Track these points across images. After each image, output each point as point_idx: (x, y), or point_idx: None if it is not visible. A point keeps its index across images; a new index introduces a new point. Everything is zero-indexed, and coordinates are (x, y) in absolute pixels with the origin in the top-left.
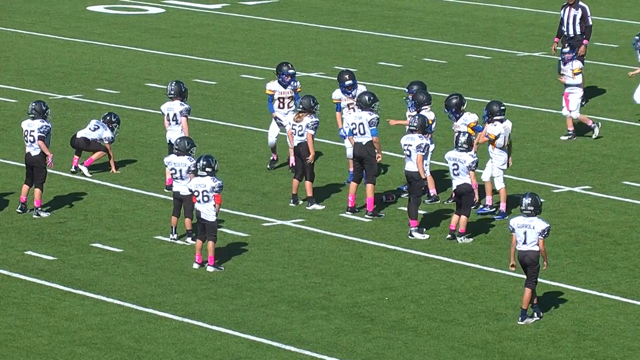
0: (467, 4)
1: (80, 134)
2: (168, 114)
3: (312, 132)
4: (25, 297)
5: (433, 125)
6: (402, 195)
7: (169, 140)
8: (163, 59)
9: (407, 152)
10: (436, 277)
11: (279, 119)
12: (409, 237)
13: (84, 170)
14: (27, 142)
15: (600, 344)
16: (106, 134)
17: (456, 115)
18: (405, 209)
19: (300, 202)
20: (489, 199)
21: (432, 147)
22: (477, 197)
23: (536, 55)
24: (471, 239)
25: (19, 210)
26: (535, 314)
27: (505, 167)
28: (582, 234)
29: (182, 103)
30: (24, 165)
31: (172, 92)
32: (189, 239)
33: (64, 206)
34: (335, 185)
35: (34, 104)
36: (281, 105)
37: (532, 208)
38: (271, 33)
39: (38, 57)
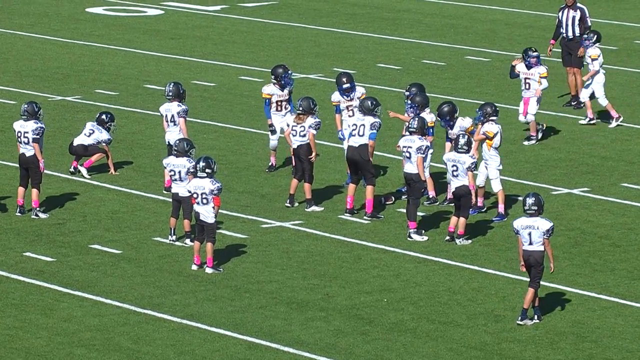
0: (466, 6)
1: (77, 141)
2: (166, 115)
3: (315, 132)
4: (24, 298)
5: (433, 129)
6: (402, 197)
7: (168, 142)
8: (162, 60)
9: (407, 154)
10: (435, 279)
11: (273, 126)
12: (408, 238)
13: (83, 171)
14: (20, 142)
15: (598, 345)
16: (102, 136)
17: (449, 123)
18: (404, 210)
19: (297, 203)
20: (480, 201)
21: (430, 150)
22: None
23: None
24: (470, 241)
25: (18, 214)
26: (536, 317)
27: (501, 167)
28: (580, 236)
29: (180, 104)
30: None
31: (170, 94)
32: (187, 241)
33: (63, 207)
34: (334, 186)
35: (26, 105)
36: (279, 108)
37: (535, 208)
38: (270, 35)
39: (37, 59)
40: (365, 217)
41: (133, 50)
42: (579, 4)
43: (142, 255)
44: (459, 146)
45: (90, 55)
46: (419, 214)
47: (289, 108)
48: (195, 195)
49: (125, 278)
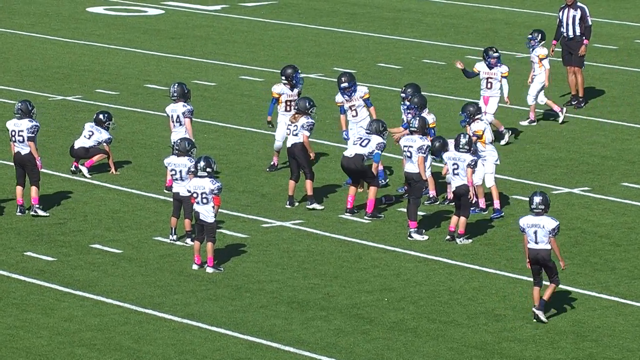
0: (467, 6)
1: (77, 144)
2: (172, 116)
3: (307, 133)
4: (24, 298)
5: (435, 129)
6: (404, 196)
7: (173, 142)
8: (162, 60)
9: (408, 154)
10: (435, 278)
11: (271, 123)
12: (408, 238)
13: (84, 170)
14: (15, 141)
15: (599, 345)
16: (102, 136)
17: (468, 121)
18: (405, 210)
19: (297, 203)
20: (482, 202)
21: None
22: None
23: None
24: (470, 240)
25: (19, 213)
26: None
27: (499, 162)
28: (581, 236)
29: (185, 104)
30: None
31: (175, 94)
32: (188, 240)
33: (64, 207)
34: (334, 186)
35: (20, 104)
36: (288, 108)
37: (542, 207)
38: (270, 34)
39: (37, 58)
40: (365, 217)
41: (133, 50)
42: (579, 3)
43: (143, 255)
44: (460, 146)
45: (91, 55)
46: (419, 213)
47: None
48: (195, 195)
49: (126, 278)
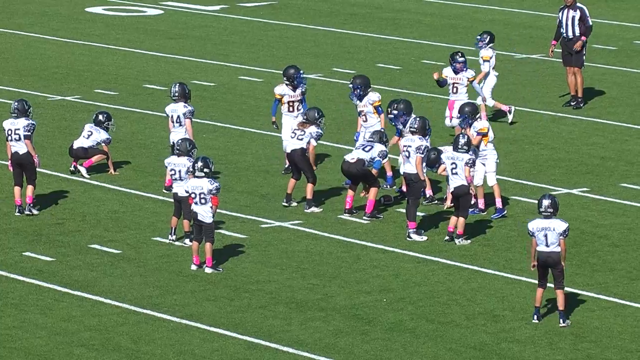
0: (466, 6)
1: (76, 144)
2: (172, 116)
3: (315, 143)
4: (23, 298)
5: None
6: (399, 197)
7: (173, 142)
8: (161, 60)
9: (406, 154)
10: (434, 279)
11: (276, 124)
12: (407, 239)
13: (83, 171)
14: (12, 140)
15: (597, 346)
16: (101, 136)
17: (469, 122)
18: (404, 210)
19: (294, 203)
20: (481, 202)
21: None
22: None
23: (534, 58)
24: (469, 241)
25: (17, 213)
26: (534, 316)
27: (498, 161)
28: (580, 236)
29: (186, 105)
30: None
31: (176, 94)
32: (187, 241)
33: (62, 207)
34: (333, 187)
35: (16, 103)
36: (291, 109)
37: (551, 210)
38: (269, 35)
39: (36, 59)
40: (364, 217)
41: (132, 50)
42: (578, 4)
43: (142, 255)
44: (459, 146)
45: (90, 55)
46: (418, 214)
47: (302, 109)
48: (193, 195)
49: (125, 278)
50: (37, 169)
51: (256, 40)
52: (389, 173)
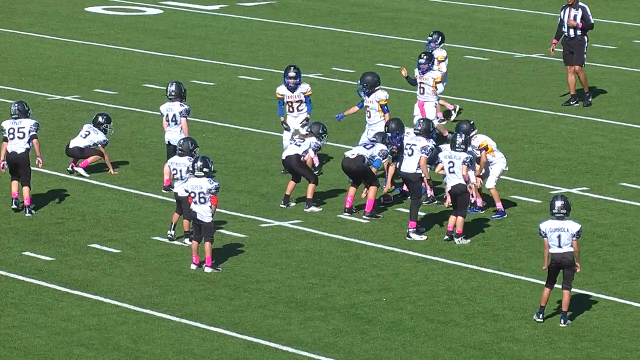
0: (465, 6)
1: (73, 144)
2: (167, 115)
3: (313, 153)
4: (23, 297)
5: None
6: (400, 197)
7: (168, 142)
8: (161, 59)
9: (409, 151)
10: (434, 278)
11: (286, 124)
12: (407, 238)
13: (81, 171)
14: (13, 138)
15: (597, 345)
16: (98, 137)
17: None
18: (404, 210)
19: (293, 204)
20: (479, 201)
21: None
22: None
23: (534, 57)
24: (469, 240)
25: (14, 206)
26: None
27: (507, 168)
28: None
29: (182, 104)
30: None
31: (173, 93)
32: (186, 240)
33: (62, 207)
34: (333, 186)
35: (16, 105)
36: (290, 109)
37: (564, 211)
38: (269, 34)
39: (36, 58)
40: (364, 217)
41: (132, 50)
42: (580, 3)
43: (141, 255)
44: (457, 145)
45: (89, 55)
46: (419, 213)
47: (303, 109)
48: (192, 195)
49: (124, 277)
50: (37, 169)
51: (255, 39)
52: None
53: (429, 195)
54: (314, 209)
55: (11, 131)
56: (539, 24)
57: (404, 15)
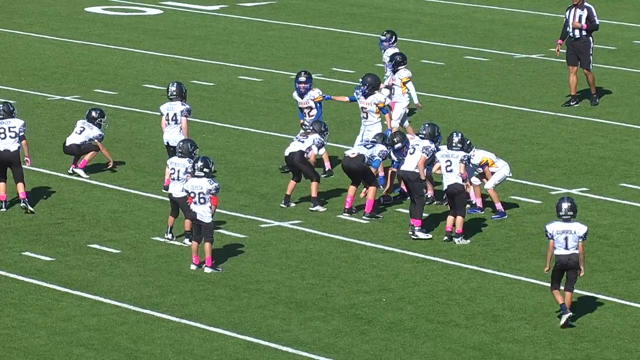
0: (465, 6)
1: (69, 141)
2: (167, 114)
3: (316, 150)
4: (22, 297)
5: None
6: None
7: (167, 142)
8: (161, 60)
9: (411, 150)
10: (433, 279)
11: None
12: (412, 237)
13: (80, 172)
14: (4, 138)
15: (597, 345)
16: (93, 132)
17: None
18: (403, 210)
19: (293, 204)
20: (479, 201)
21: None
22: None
23: (534, 57)
24: (468, 240)
25: (3, 209)
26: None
27: (510, 174)
28: None
29: (183, 104)
30: None
31: (175, 93)
32: (186, 240)
33: (62, 207)
34: (332, 186)
35: (1, 106)
36: (303, 114)
37: (571, 213)
38: (269, 34)
39: (36, 58)
40: (364, 217)
41: (132, 50)
42: (586, 3)
43: (141, 255)
44: (453, 144)
45: (89, 55)
46: None
47: (314, 115)
48: (192, 195)
49: (124, 277)
50: (38, 169)
51: (255, 40)
52: (381, 173)
53: (429, 196)
54: (319, 208)
55: (2, 131)
56: (539, 24)
57: (404, 15)
